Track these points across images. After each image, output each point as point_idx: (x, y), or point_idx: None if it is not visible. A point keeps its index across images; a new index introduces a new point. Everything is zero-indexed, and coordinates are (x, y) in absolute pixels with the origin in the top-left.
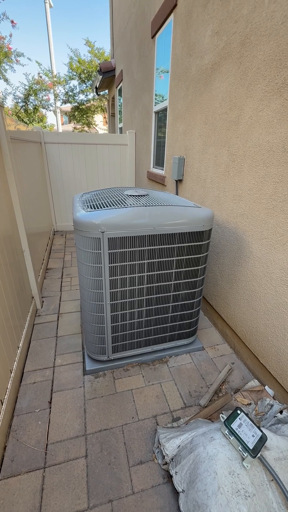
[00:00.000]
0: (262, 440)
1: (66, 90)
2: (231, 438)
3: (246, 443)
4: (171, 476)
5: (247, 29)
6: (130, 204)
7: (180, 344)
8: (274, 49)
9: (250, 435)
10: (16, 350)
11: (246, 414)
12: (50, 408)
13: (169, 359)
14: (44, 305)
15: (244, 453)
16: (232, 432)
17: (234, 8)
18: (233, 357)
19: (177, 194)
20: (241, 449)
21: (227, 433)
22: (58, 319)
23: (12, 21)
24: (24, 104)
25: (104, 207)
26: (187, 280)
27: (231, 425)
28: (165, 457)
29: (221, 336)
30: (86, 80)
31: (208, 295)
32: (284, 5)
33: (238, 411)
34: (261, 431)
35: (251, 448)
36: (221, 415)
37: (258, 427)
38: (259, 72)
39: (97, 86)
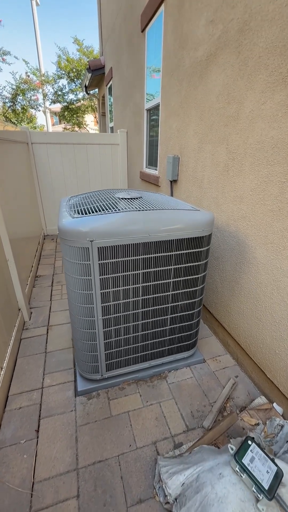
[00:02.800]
0: (278, 476)
1: (55, 90)
2: (243, 476)
3: (261, 482)
4: None
5: (246, 14)
6: (122, 208)
7: (180, 357)
8: (278, 34)
9: (264, 471)
10: None
11: (258, 445)
12: (37, 437)
13: (168, 374)
14: (32, 316)
15: (259, 495)
16: (244, 469)
17: None
18: (236, 369)
19: (172, 195)
20: (255, 490)
21: (238, 470)
22: (47, 332)
23: None
24: (11, 104)
25: (93, 212)
26: (186, 290)
27: (242, 460)
28: (168, 497)
29: (223, 346)
30: (75, 79)
31: (208, 302)
32: None
33: (249, 442)
34: (276, 465)
35: (266, 488)
36: (229, 445)
37: (273, 460)
38: (261, 61)
39: (87, 85)
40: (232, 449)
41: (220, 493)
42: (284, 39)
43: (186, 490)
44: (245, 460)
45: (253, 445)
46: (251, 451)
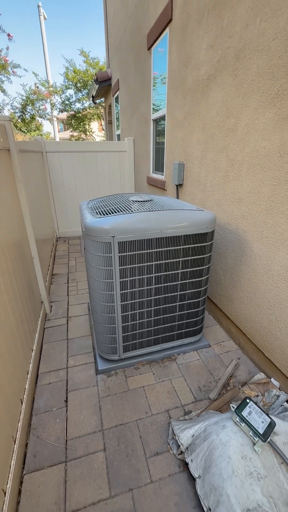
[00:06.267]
0: (271, 425)
1: (63, 99)
2: (242, 425)
3: (257, 428)
4: (186, 464)
5: (240, 44)
6: (136, 210)
7: (187, 342)
8: (267, 63)
9: (259, 422)
10: (30, 352)
11: (255, 403)
12: (66, 406)
13: (177, 357)
14: (52, 309)
15: (255, 438)
16: (243, 419)
17: (227, 24)
18: (238, 352)
19: (177, 198)
20: (252, 435)
21: (238, 421)
22: (67, 323)
23: (8, 34)
24: (21, 114)
25: (112, 213)
26: (193, 280)
27: (242, 413)
28: (181, 447)
29: (226, 333)
30: (82, 89)
31: (212, 294)
32: (274, 24)
33: (248, 400)
34: (270, 418)
35: (261, 433)
36: (231, 404)
37: (267, 414)
38: (254, 84)
39: (94, 95)
40: (233, 407)
41: (224, 439)
42: (271, 67)
43: (195, 439)
44: (244, 413)
45: (250, 403)
46: (249, 407)
